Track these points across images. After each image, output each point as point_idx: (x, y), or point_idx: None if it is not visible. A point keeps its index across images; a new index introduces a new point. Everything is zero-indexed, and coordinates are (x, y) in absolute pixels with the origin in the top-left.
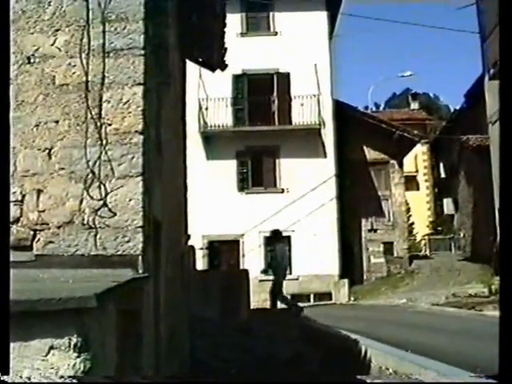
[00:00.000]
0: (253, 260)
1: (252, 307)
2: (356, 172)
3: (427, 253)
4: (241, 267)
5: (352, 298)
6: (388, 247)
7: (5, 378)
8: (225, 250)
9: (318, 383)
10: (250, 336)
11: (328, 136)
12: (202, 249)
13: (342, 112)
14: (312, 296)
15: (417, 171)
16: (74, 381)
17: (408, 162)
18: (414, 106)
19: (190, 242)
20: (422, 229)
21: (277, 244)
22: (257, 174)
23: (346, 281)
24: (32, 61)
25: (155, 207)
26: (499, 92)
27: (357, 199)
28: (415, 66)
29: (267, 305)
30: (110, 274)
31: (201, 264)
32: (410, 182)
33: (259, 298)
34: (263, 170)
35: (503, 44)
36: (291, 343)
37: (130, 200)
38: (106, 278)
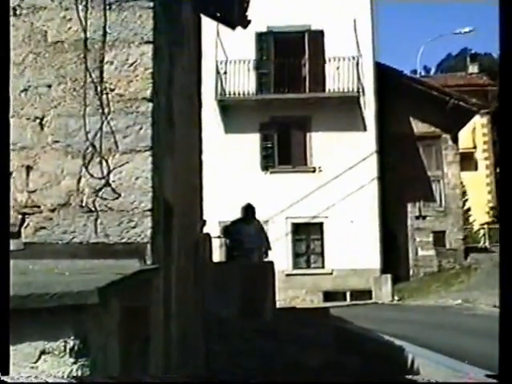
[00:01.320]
0: (279, 250)
1: (278, 306)
2: (401, 148)
3: (487, 245)
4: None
5: (396, 297)
6: (439, 237)
7: (5, 378)
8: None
9: (322, 383)
10: (276, 340)
11: (368, 105)
12: (219, 237)
13: (386, 77)
14: (348, 294)
15: (475, 147)
16: (73, 381)
17: (464, 136)
18: (473, 69)
19: (205, 229)
20: (480, 216)
21: (248, 223)
22: (284, 151)
23: (388, 276)
24: (18, 13)
25: (166, 188)
26: (499, 91)
27: (402, 180)
28: (475, 21)
29: (296, 303)
30: (112, 265)
31: (218, 255)
32: (467, 161)
33: (286, 295)
34: (291, 145)
35: (503, 42)
36: (324, 349)
37: (136, 179)
38: (108, 269)
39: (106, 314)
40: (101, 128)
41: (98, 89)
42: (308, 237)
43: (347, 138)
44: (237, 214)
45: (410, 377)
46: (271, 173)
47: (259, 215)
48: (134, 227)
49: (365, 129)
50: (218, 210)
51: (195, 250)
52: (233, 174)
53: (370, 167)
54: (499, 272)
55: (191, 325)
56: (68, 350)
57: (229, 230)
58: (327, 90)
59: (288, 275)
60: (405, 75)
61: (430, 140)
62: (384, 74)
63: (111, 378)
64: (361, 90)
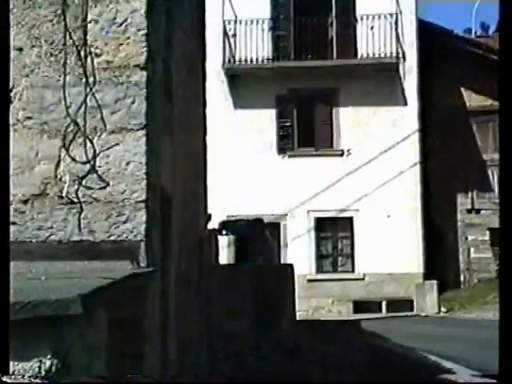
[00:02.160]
0: (299, 251)
1: (298, 318)
2: (450, 126)
3: None
4: (282, 261)
5: (443, 309)
6: (498, 236)
7: (5, 378)
8: (260, 237)
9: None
10: (296, 360)
11: (410, 74)
12: (227, 234)
13: (432, 38)
14: (384, 304)
15: None
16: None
17: None
18: None
19: (211, 225)
20: None
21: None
22: (305, 130)
23: (434, 283)
24: None
25: (164, 175)
26: (498, 88)
27: (450, 166)
28: None
29: (321, 315)
30: (99, 267)
31: (225, 256)
32: None
33: (309, 305)
34: (315, 123)
35: (503, 41)
36: (354, 371)
37: (127, 163)
38: (93, 273)
39: (91, 328)
40: (84, 102)
41: (81, 54)
42: (335, 234)
43: (383, 115)
44: (247, 207)
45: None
46: (290, 157)
47: (275, 209)
48: (124, 222)
49: (405, 103)
50: (226, 203)
51: (199, 250)
52: (243, 159)
53: (411, 150)
54: (499, 273)
55: (193, 340)
56: (44, 372)
57: (236, 226)
58: (359, 56)
59: (310, 281)
60: (456, 35)
61: (486, 115)
62: (429, 35)
63: (102, 378)
64: (400, 56)
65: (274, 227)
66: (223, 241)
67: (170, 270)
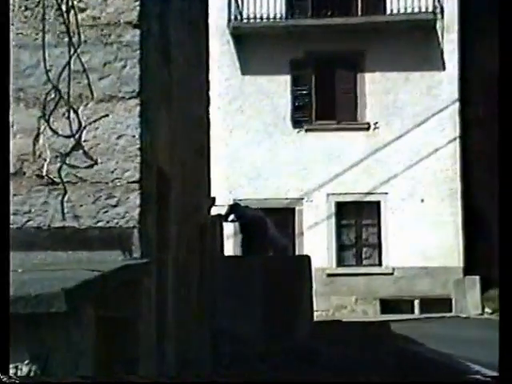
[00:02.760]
0: (317, 241)
1: (317, 318)
2: (496, 94)
3: None
4: (297, 252)
5: (488, 309)
6: None
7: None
8: (271, 224)
9: (321, 383)
10: (314, 367)
11: (449, 33)
12: (233, 221)
13: None
14: (417, 303)
15: None
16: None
17: None
18: None
19: (215, 210)
20: None
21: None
22: (325, 99)
23: (476, 279)
24: None
25: (161, 151)
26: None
27: (495, 141)
28: None
29: (343, 315)
30: (85, 259)
31: (232, 246)
32: None
33: (329, 303)
34: (336, 91)
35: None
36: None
37: (119, 137)
38: (78, 265)
39: (77, 328)
40: (67, 65)
41: (62, 8)
42: (359, 221)
43: (416, 81)
44: (257, 190)
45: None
46: (306, 131)
47: (289, 192)
48: (115, 206)
49: (443, 67)
50: (233, 184)
51: (201, 239)
52: (252, 134)
53: (449, 122)
54: (499, 272)
55: (195, 343)
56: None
57: (244, 211)
58: (388, 12)
59: (330, 275)
60: None
61: None
62: None
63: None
64: (438, 11)
65: (288, 213)
66: (229, 229)
67: (168, 262)
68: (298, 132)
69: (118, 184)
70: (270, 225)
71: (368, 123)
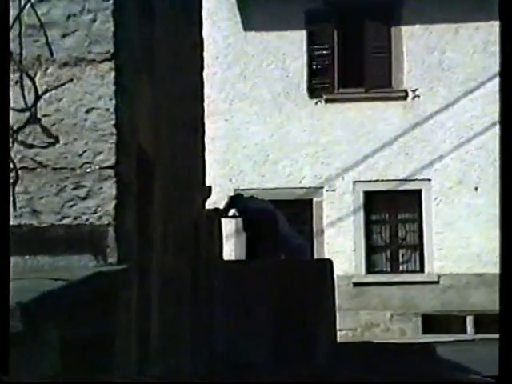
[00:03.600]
0: (341, 240)
1: (341, 339)
2: None
3: None
4: (316, 255)
5: None
6: None
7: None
8: (283, 219)
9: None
10: None
11: None
12: (234, 216)
13: None
14: (470, 320)
15: None
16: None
17: None
18: None
19: (211, 204)
20: None
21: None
22: (350, 61)
23: None
24: None
25: (142, 129)
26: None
27: None
28: None
29: (374, 335)
30: (47, 265)
31: (233, 248)
32: None
33: (356, 320)
34: (365, 51)
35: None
36: None
37: (88, 111)
38: (38, 273)
39: (37, 352)
40: (17, 18)
41: None
42: (394, 216)
43: (469, 35)
44: (265, 178)
45: None
46: (327, 102)
47: (305, 179)
48: (84, 198)
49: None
50: (233, 170)
51: (194, 240)
52: (258, 106)
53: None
54: (499, 270)
55: (186, 370)
56: None
57: (248, 204)
58: None
59: (358, 285)
60: None
61: None
62: None
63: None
64: None
65: (304, 206)
66: (229, 226)
67: (152, 269)
68: (317, 103)
69: (88, 170)
70: (282, 220)
71: (405, 91)
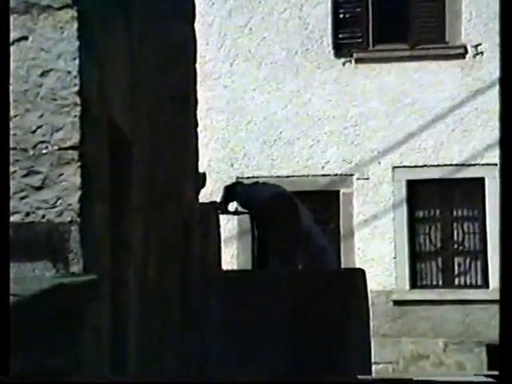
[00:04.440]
0: (377, 244)
1: (377, 374)
2: None
3: None
4: (344, 263)
5: None
6: None
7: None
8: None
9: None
10: None
11: None
12: (237, 213)
13: None
14: None
15: None
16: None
17: None
18: None
19: (205, 194)
20: None
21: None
22: (389, 9)
23: None
24: None
25: (115, 98)
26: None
27: None
28: None
29: (423, 368)
30: None
31: (234, 254)
32: None
33: (398, 350)
34: None
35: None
36: None
37: (43, 74)
38: None
39: None
40: None
41: None
42: (447, 212)
43: None
44: (275, 163)
45: None
46: (358, 62)
47: (330, 163)
48: (38, 188)
49: None
50: (235, 153)
51: (184, 244)
52: (267, 69)
53: None
54: (499, 270)
55: None
56: None
57: (254, 195)
58: None
59: (400, 303)
60: None
61: None
62: None
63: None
64: None
65: (328, 199)
66: (230, 225)
67: (129, 281)
68: (344, 64)
69: (45, 151)
70: (304, 211)
71: (464, 47)
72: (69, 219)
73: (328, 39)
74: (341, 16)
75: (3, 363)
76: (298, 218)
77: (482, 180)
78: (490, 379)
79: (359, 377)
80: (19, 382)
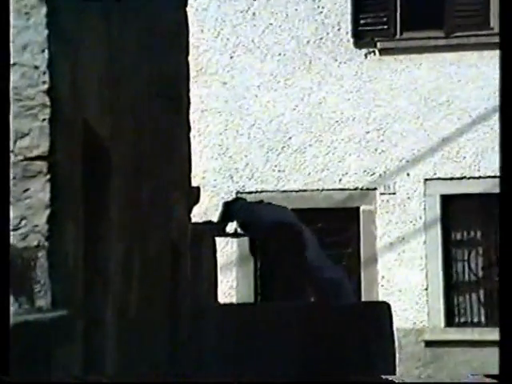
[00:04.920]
0: (404, 273)
1: None
2: None
3: None
4: (365, 296)
5: None
6: None
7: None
8: (312, 237)
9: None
10: None
11: None
12: (236, 235)
13: None
14: None
15: None
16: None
17: None
18: None
19: (199, 213)
20: None
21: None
22: None
23: None
24: None
25: (91, 99)
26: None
27: None
28: None
29: None
30: None
31: (233, 284)
32: None
33: None
34: None
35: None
36: None
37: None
38: None
39: None
40: None
41: None
42: (490, 234)
43: None
44: (281, 176)
45: None
46: (383, 53)
47: (348, 176)
48: None
49: None
50: (235, 163)
51: (173, 272)
52: (275, 61)
53: None
54: (499, 270)
55: None
56: None
57: (257, 214)
58: None
59: (433, 344)
60: None
61: None
62: None
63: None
64: None
65: (346, 218)
66: (228, 249)
67: (105, 317)
68: (367, 56)
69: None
70: (310, 238)
71: None
72: (35, 243)
73: (347, 26)
74: (360, 2)
75: (3, 363)
76: (303, 250)
77: None
78: (489, 379)
79: None
80: (19, 381)
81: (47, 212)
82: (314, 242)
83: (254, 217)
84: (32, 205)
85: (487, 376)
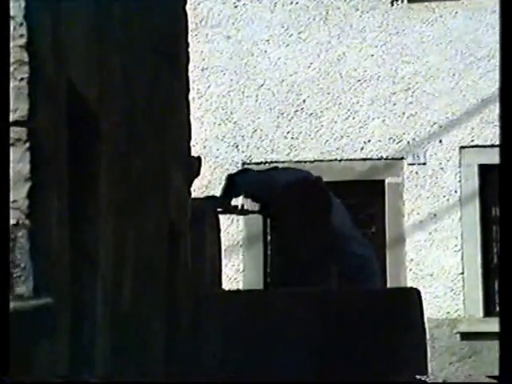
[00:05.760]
0: (437, 255)
1: None
2: None
3: None
4: (391, 281)
5: None
6: None
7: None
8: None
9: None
10: None
11: None
12: (243, 211)
13: None
14: None
15: None
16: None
17: None
18: None
19: (200, 187)
20: None
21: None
22: None
23: None
24: None
25: (75, 57)
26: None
27: None
28: None
29: None
30: None
31: (239, 266)
32: None
33: None
34: None
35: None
36: None
37: None
38: None
39: None
40: None
41: None
42: None
43: None
44: (295, 145)
45: None
46: (411, 1)
47: (371, 144)
48: None
49: None
50: (242, 130)
51: (171, 254)
52: (285, 13)
53: None
54: (499, 271)
55: None
56: None
57: (267, 185)
58: None
59: (470, 336)
60: None
61: None
62: None
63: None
64: None
65: (370, 192)
66: (233, 229)
67: (95, 305)
68: (393, 3)
69: None
70: (337, 205)
71: None
72: (13, 221)
73: None
74: None
75: (3, 363)
76: (329, 216)
77: None
78: (489, 379)
79: None
80: (19, 381)
81: (27, 185)
82: (341, 208)
83: (266, 183)
84: (10, 177)
85: (487, 376)
